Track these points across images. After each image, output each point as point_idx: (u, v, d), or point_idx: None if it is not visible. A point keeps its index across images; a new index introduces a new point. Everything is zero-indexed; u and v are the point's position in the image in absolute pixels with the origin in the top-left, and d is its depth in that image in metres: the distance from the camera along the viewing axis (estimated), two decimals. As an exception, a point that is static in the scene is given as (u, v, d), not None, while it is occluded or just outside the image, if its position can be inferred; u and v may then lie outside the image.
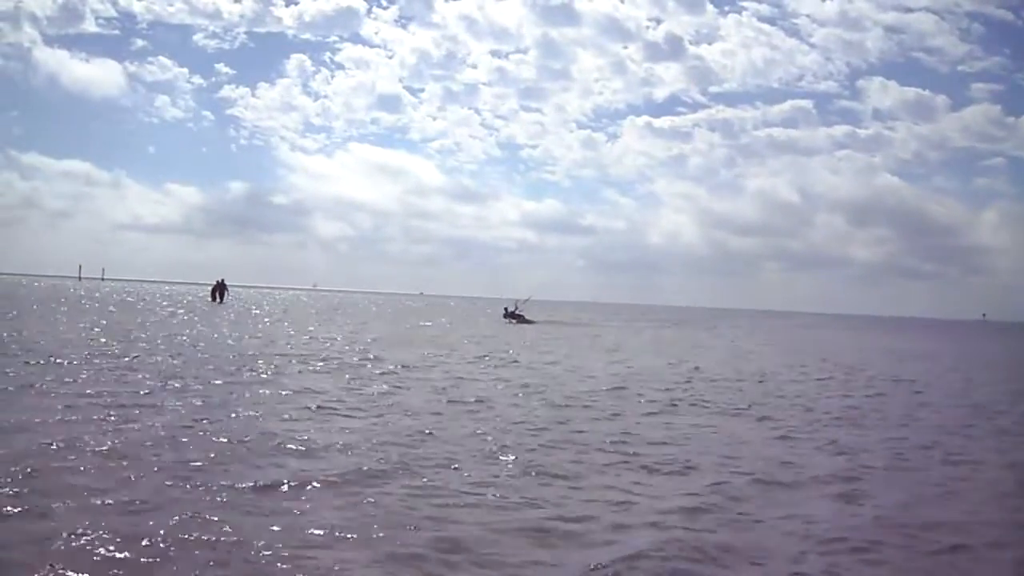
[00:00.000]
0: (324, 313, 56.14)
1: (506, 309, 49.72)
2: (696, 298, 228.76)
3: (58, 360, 15.66)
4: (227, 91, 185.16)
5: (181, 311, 44.49)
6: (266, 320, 40.03)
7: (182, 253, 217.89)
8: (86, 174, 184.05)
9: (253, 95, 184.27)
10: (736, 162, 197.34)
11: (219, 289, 57.88)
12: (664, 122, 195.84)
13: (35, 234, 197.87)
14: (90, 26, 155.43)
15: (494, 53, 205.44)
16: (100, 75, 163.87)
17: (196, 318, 37.27)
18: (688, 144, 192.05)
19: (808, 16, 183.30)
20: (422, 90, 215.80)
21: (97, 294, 73.69)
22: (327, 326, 37.38)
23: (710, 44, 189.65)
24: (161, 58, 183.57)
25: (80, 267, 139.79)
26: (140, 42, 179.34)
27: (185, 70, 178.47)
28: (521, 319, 47.57)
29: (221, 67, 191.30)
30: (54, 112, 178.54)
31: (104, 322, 30.37)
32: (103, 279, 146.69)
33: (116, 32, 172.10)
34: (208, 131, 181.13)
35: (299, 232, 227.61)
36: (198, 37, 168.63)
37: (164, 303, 57.34)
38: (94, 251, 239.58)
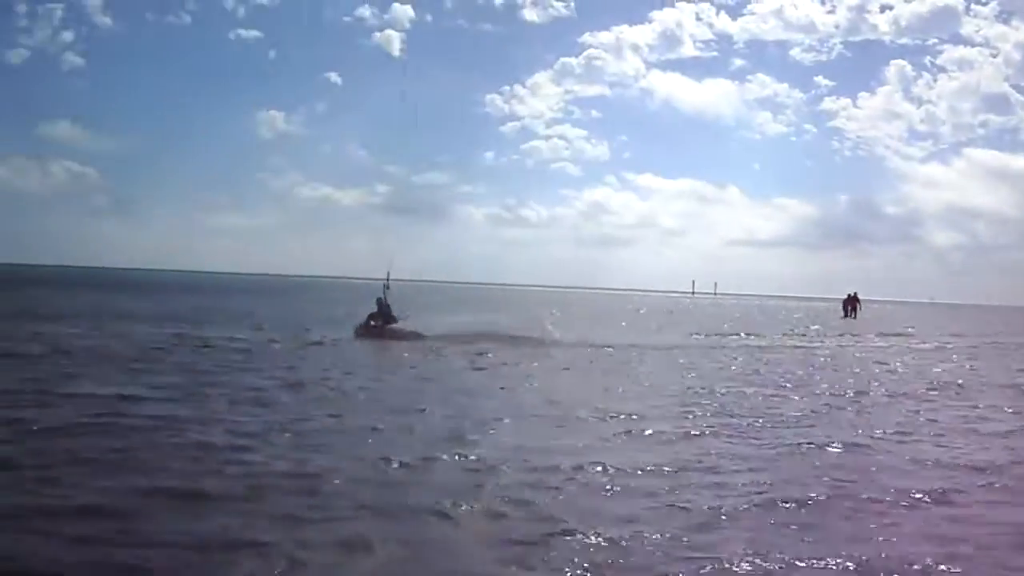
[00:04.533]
0: None
1: (379, 301, 24.51)
2: None
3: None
4: (827, 103, 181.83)
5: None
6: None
7: (791, 266, 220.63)
8: (698, 192, 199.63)
9: (854, 105, 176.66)
10: None
11: (851, 303, 54.22)
12: None
13: (650, 251, 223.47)
14: (688, 50, 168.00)
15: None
16: (710, 95, 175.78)
17: None
18: None
19: None
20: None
21: (736, 310, 76.87)
22: None
23: None
24: (760, 75, 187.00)
25: (693, 282, 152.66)
26: (738, 61, 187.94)
27: (784, 85, 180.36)
28: (385, 323, 23.99)
29: (820, 79, 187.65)
30: (665, 134, 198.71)
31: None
32: (715, 294, 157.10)
33: (714, 54, 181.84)
34: (811, 144, 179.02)
35: (909, 242, 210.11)
36: (795, 52, 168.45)
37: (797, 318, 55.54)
38: (704, 266, 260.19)
